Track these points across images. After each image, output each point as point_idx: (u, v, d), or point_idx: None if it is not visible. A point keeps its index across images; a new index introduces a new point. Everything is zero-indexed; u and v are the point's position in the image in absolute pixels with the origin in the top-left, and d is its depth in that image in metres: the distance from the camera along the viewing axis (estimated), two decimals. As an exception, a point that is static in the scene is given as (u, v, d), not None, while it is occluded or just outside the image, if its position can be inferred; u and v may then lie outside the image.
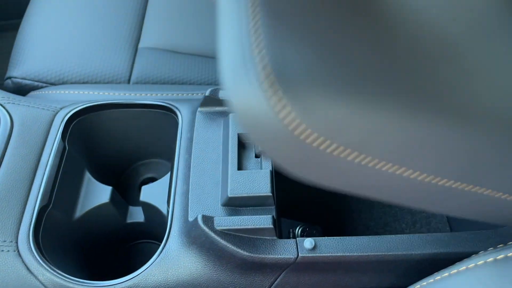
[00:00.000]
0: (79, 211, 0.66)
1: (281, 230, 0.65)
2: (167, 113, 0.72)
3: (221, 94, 0.66)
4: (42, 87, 0.89)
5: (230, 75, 0.27)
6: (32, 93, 0.88)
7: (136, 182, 0.82)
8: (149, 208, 0.67)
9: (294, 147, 0.28)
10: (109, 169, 0.79)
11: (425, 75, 0.30)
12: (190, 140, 0.65)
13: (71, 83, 0.89)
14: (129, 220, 0.72)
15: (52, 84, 0.89)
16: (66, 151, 0.66)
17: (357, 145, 0.28)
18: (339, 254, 0.54)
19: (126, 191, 0.82)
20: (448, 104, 0.29)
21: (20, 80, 0.89)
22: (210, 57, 0.96)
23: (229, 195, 0.56)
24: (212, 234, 0.53)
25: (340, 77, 0.27)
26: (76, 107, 0.70)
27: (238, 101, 0.27)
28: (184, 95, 0.84)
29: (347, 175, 0.31)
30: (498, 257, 0.42)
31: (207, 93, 0.66)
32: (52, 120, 0.68)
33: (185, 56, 0.96)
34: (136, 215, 0.73)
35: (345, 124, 0.27)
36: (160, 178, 0.70)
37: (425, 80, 0.29)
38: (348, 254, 0.54)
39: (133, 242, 0.78)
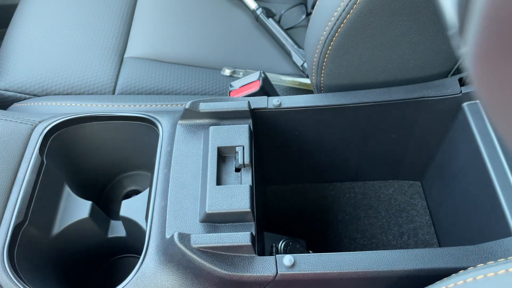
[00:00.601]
0: (57, 227, 0.65)
1: (264, 245, 0.64)
2: (148, 125, 0.71)
3: (202, 107, 0.65)
4: (25, 99, 0.88)
5: None
6: (15, 105, 0.86)
7: (119, 195, 0.81)
8: (129, 223, 0.66)
9: None
10: (91, 182, 0.78)
11: None
12: (170, 153, 0.64)
13: (55, 94, 0.88)
14: (110, 235, 0.71)
15: (35, 95, 0.88)
16: (44, 166, 0.65)
17: None
18: (319, 272, 0.53)
19: (109, 204, 0.80)
20: None
21: (2, 92, 0.88)
22: (195, 66, 0.96)
23: (207, 211, 0.55)
24: (189, 252, 0.52)
25: None
26: (54, 121, 0.69)
27: None
28: (168, 105, 0.83)
29: None
30: (477, 277, 0.41)
31: (187, 105, 0.65)
32: (30, 134, 0.67)
33: (170, 66, 0.95)
34: (118, 229, 0.71)
35: None
36: (144, 190, 0.69)
37: None
38: (328, 271, 0.52)
39: (116, 256, 0.76)
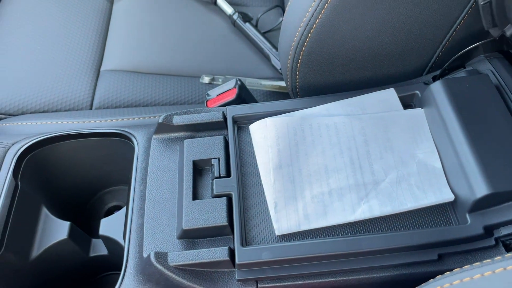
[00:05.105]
0: (36, 251, 0.64)
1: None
2: (124, 141, 0.70)
3: (175, 120, 0.64)
4: (0, 119, 0.86)
5: None
6: (-9, 125, 0.85)
7: (101, 212, 0.80)
8: (109, 241, 0.65)
9: None
10: (71, 201, 0.77)
11: None
12: (146, 169, 0.63)
13: (31, 112, 0.87)
14: (92, 254, 0.70)
15: (11, 115, 0.87)
16: (19, 189, 0.64)
17: None
18: (299, 282, 0.52)
19: (91, 222, 0.79)
20: None
21: (-23, 114, 0.87)
22: (174, 75, 0.94)
23: (184, 228, 0.54)
24: (166, 271, 0.51)
25: None
26: (28, 142, 0.67)
27: None
28: (146, 118, 0.81)
29: None
30: (474, 277, 0.40)
31: (160, 119, 0.64)
32: (3, 157, 0.66)
33: (148, 76, 0.93)
34: (100, 247, 0.70)
35: None
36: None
37: None
38: (309, 281, 0.52)
39: (100, 275, 0.75)
